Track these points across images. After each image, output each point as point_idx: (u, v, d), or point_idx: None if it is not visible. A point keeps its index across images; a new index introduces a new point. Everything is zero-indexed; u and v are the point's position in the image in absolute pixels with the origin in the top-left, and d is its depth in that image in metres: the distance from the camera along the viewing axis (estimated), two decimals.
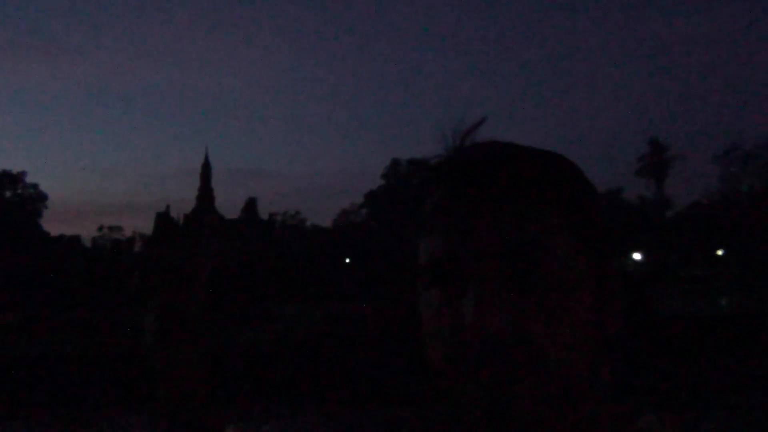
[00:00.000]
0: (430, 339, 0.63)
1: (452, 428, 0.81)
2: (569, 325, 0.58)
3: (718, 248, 46.45)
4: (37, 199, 64.14)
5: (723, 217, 44.20)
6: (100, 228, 78.78)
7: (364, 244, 56.74)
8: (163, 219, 71.66)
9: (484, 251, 0.59)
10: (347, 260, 59.15)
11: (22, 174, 63.80)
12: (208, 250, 59.42)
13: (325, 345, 18.01)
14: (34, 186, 64.46)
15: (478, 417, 0.58)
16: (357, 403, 13.88)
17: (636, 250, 47.82)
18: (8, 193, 62.13)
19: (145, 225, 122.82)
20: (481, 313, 0.56)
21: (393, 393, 14.12)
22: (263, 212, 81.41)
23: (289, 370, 16.24)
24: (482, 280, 0.58)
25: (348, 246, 60.25)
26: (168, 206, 76.48)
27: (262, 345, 18.85)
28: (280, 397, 14.72)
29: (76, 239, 66.99)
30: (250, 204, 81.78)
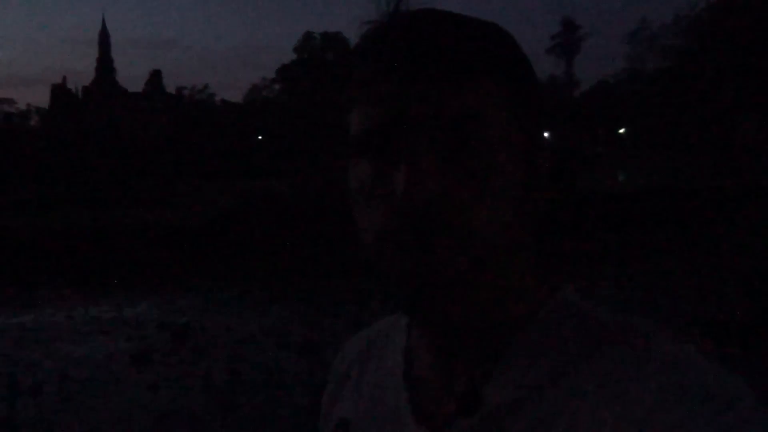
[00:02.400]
0: (359, 210, 0.62)
1: (374, 298, 0.81)
2: (498, 195, 0.59)
3: (621, 127, 48.27)
4: None
5: (626, 95, 45.62)
6: None
7: (276, 121, 55.63)
8: (60, 91, 67.59)
9: (418, 122, 0.58)
10: (259, 137, 58.11)
11: None
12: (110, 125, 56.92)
13: (236, 222, 17.97)
14: None
15: (403, 284, 0.59)
16: (274, 277, 14.07)
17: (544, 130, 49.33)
18: None
19: (40, 98, 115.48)
20: (413, 183, 0.56)
21: (310, 268, 14.37)
22: (169, 86, 77.95)
23: (203, 248, 16.19)
24: (415, 151, 0.57)
25: (259, 122, 58.97)
26: (65, 78, 72.01)
27: (170, 223, 18.58)
28: (192, 274, 14.72)
29: None
30: (155, 77, 77.92)
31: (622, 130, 48.55)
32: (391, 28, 0.61)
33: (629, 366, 0.56)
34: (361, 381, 0.78)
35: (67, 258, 15.34)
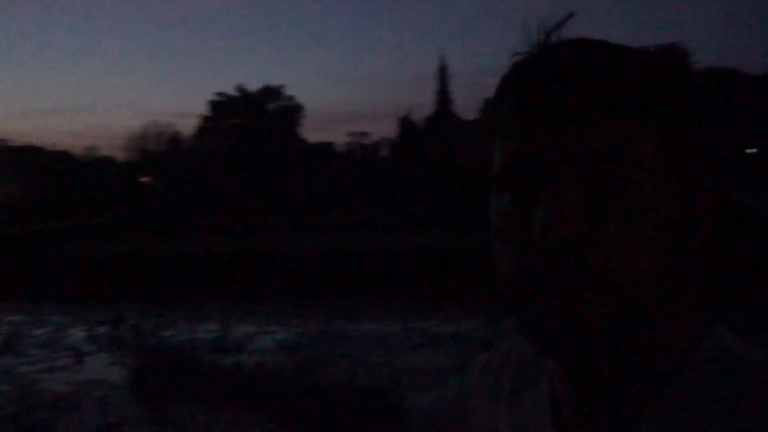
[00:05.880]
0: (498, 246, 0.61)
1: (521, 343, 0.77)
2: (645, 239, 0.55)
3: None
4: (295, 110, 68.91)
5: None
6: (349, 134, 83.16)
7: None
8: (405, 123, 74.02)
9: (562, 158, 0.56)
10: None
11: (281, 87, 69.11)
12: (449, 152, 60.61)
13: None
14: (291, 98, 69.26)
15: (540, 327, 0.57)
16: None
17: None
18: (271, 106, 67.79)
19: (389, 130, 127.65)
20: (553, 220, 0.54)
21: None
22: None
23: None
24: (557, 188, 0.55)
25: None
26: (410, 111, 78.35)
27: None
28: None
29: (329, 145, 71.62)
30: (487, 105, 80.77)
31: None
32: (536, 61, 0.59)
33: None
34: (497, 411, 0.75)
35: (402, 275, 16.58)
